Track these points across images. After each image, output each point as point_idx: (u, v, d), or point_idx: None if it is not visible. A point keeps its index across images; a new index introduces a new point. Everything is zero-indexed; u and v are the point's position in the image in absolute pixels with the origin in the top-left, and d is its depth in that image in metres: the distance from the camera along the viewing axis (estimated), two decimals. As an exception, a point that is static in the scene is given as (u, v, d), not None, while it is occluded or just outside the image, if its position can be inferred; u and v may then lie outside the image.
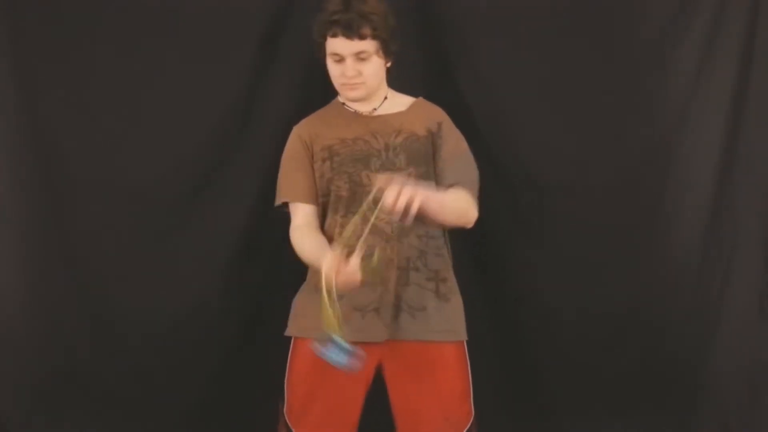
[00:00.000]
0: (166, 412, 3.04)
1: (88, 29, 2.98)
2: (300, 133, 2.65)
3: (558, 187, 3.05)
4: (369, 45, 2.52)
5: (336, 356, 2.30)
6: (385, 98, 2.67)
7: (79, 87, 2.99)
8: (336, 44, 2.52)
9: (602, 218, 3.06)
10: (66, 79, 2.98)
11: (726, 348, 3.10)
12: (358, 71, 2.54)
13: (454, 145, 2.63)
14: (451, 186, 2.52)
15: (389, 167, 2.56)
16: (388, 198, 2.20)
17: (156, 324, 3.01)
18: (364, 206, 2.34)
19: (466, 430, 2.59)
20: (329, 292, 2.27)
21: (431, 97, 2.78)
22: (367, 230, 2.33)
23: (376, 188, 2.30)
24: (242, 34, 2.99)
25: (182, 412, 3.05)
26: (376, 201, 2.27)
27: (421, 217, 2.26)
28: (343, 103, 2.68)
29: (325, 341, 2.29)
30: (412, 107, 2.68)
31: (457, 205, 2.48)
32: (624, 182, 3.07)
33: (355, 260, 2.28)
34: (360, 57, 2.52)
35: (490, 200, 2.81)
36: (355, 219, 2.35)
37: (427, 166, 2.59)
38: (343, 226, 2.50)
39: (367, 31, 2.50)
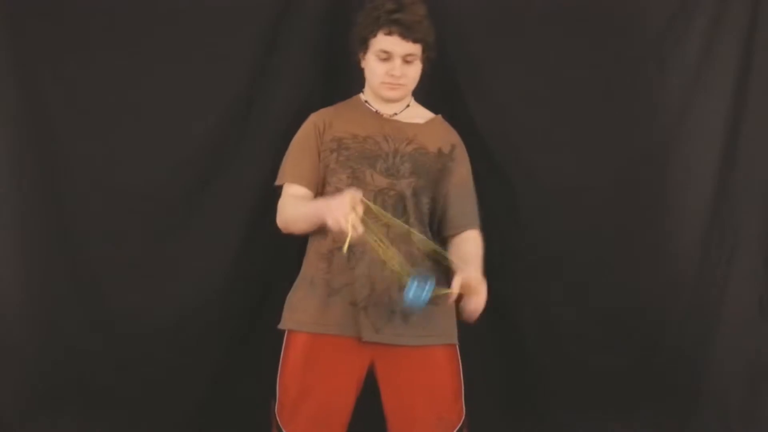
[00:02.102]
0: (166, 411, 3.04)
1: (88, 29, 2.98)
2: (315, 120, 2.70)
3: (558, 187, 3.05)
4: (418, 49, 2.59)
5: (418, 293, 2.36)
6: (407, 106, 2.72)
7: (79, 86, 2.98)
8: (389, 42, 2.57)
9: (602, 218, 3.06)
10: (66, 78, 2.98)
11: (726, 348, 3.10)
12: (404, 72, 2.59)
13: (465, 172, 2.70)
14: (462, 226, 2.65)
15: (393, 172, 2.61)
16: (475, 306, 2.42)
17: (156, 324, 3.00)
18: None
19: (457, 429, 2.61)
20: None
21: (430, 99, 2.78)
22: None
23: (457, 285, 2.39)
24: (242, 34, 2.99)
25: (182, 412, 3.05)
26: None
27: None
28: (365, 101, 2.71)
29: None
30: (429, 123, 2.72)
31: (480, 255, 2.62)
32: (624, 182, 3.07)
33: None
34: (407, 59, 2.59)
35: (490, 200, 2.81)
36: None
37: (428, 180, 2.64)
38: None
39: (419, 35, 2.58)
